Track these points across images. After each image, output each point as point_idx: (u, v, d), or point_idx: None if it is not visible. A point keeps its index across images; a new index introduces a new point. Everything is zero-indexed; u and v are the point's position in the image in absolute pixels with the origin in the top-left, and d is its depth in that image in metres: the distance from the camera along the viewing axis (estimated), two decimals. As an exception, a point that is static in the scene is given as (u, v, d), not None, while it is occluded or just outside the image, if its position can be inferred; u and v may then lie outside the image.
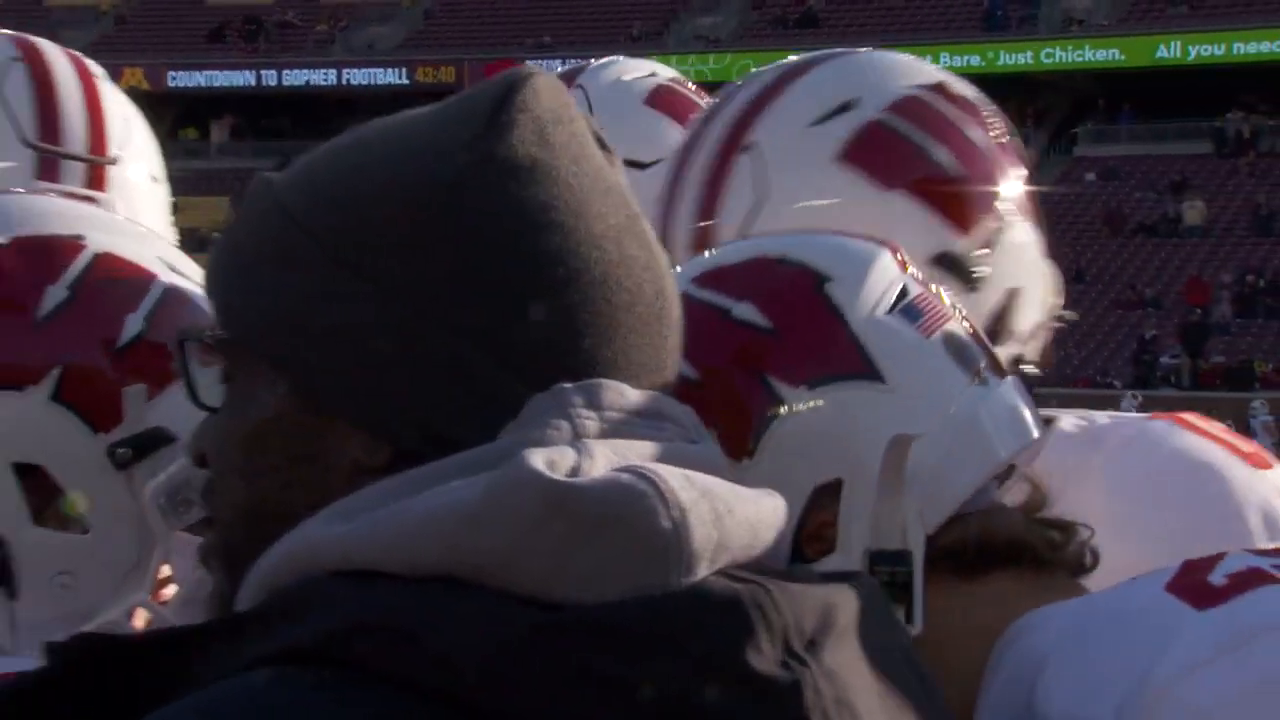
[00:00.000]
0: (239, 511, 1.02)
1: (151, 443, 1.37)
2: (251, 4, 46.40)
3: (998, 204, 1.74)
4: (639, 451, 0.93)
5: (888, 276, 1.33)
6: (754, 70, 1.88)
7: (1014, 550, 1.26)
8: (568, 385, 0.95)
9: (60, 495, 1.36)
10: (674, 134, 2.29)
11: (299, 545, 0.92)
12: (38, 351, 1.35)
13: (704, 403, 1.09)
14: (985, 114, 1.81)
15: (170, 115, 43.70)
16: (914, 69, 1.83)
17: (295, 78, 43.58)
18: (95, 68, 2.14)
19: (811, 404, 1.25)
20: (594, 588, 0.87)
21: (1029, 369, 1.74)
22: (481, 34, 43.13)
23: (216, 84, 43.99)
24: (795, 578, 0.93)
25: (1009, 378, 1.35)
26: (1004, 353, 1.71)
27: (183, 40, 45.43)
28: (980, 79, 1.91)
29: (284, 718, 0.84)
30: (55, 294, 1.36)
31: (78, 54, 2.17)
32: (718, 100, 1.85)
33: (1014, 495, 1.34)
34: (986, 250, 1.71)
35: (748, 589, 0.89)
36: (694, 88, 2.66)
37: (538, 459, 0.88)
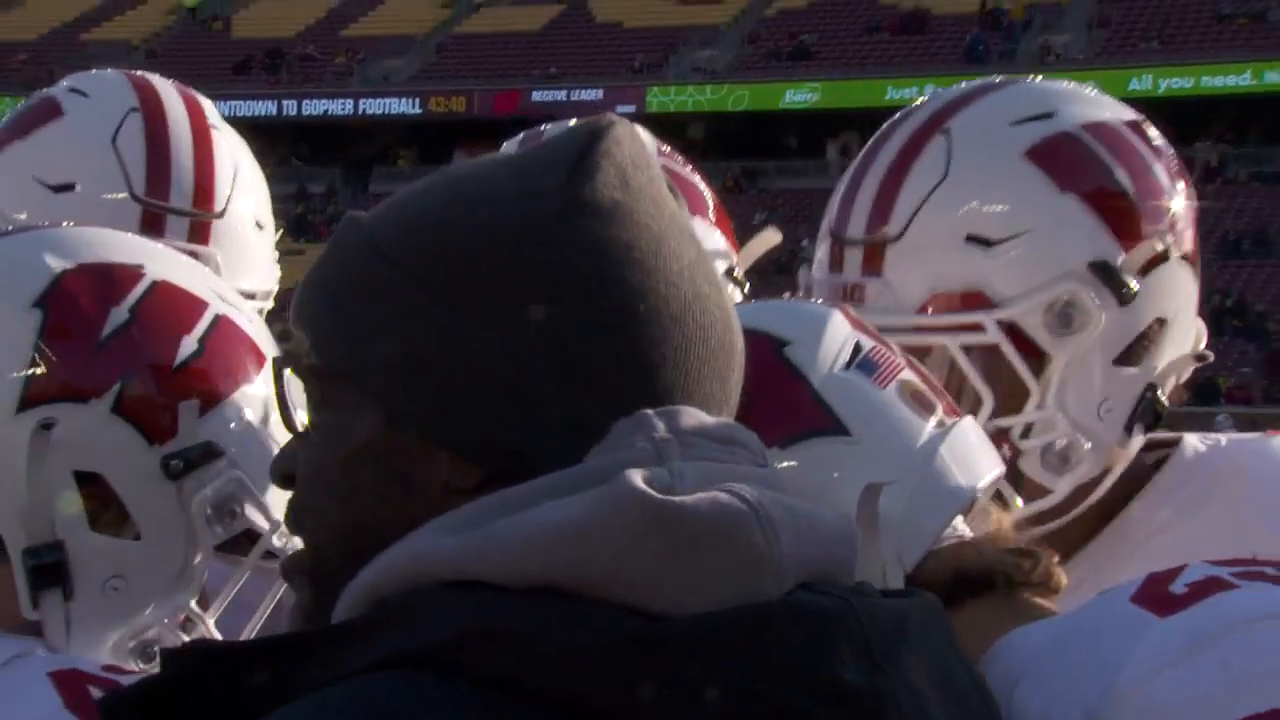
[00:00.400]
0: (333, 531, 1.03)
1: (202, 456, 1.39)
2: (274, 38, 46.50)
3: (1164, 235, 1.76)
4: (721, 473, 0.94)
5: (841, 334, 1.35)
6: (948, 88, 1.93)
7: (987, 579, 1.27)
8: (650, 411, 0.96)
9: (115, 503, 1.38)
10: None
11: (408, 557, 0.93)
12: (100, 367, 1.37)
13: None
14: (1172, 160, 1.84)
15: (196, 142, 43.72)
16: (1116, 106, 1.87)
17: (314, 107, 43.65)
18: (211, 112, 2.15)
19: (785, 463, 1.26)
20: (691, 600, 0.88)
21: (1161, 401, 1.76)
22: (490, 66, 43.21)
23: (240, 113, 44.04)
24: (867, 593, 0.95)
25: (965, 418, 1.37)
26: (1142, 375, 1.74)
27: (210, 73, 45.48)
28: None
29: (404, 719, 0.85)
30: (117, 315, 1.39)
31: (195, 96, 2.17)
32: (903, 112, 1.88)
33: (980, 525, 1.36)
34: (1144, 274, 1.73)
35: (832, 601, 0.91)
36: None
37: (638, 478, 0.90)
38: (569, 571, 0.88)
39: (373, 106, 43.39)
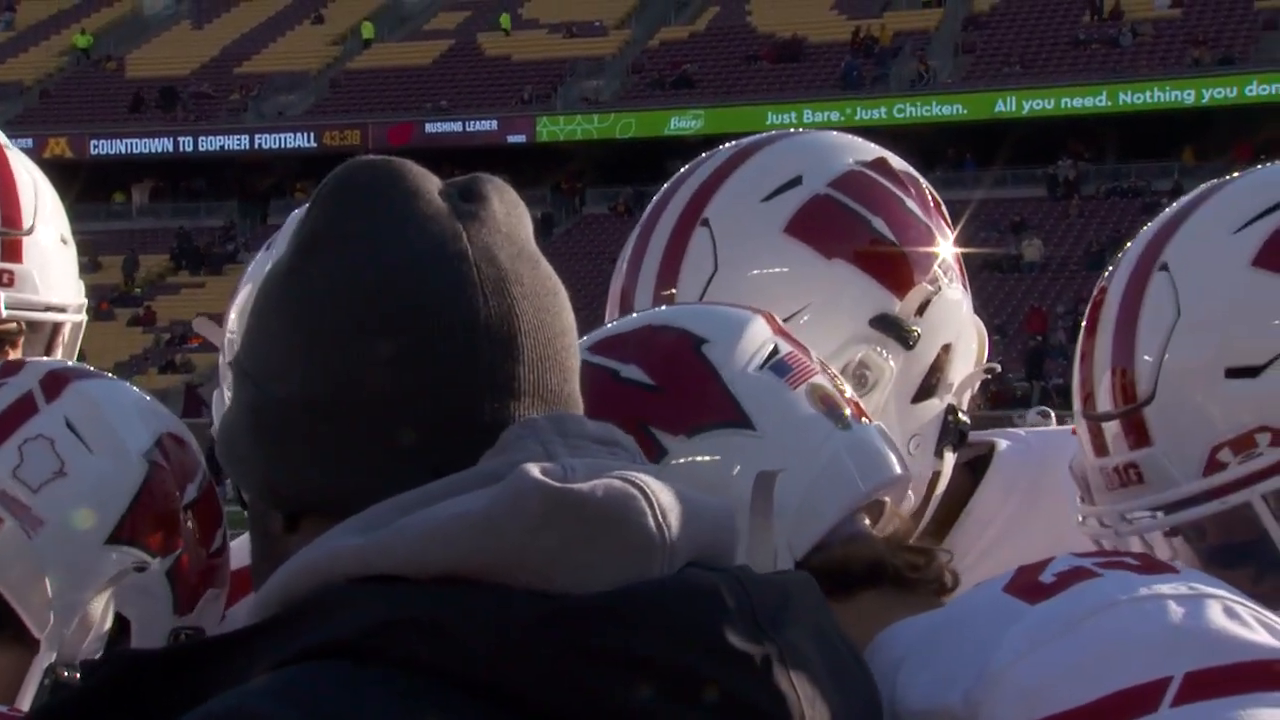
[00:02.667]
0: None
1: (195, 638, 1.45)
2: (168, 76, 45.78)
3: (931, 269, 1.77)
4: (608, 467, 0.97)
5: (760, 337, 1.38)
6: (711, 150, 1.88)
7: (875, 572, 1.31)
8: (537, 417, 1.00)
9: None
10: None
11: (319, 556, 0.96)
12: (174, 531, 1.45)
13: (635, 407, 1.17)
14: (919, 186, 1.83)
15: (93, 181, 42.94)
16: (857, 146, 1.85)
17: (210, 143, 43.04)
18: (0, 137, 2.09)
19: (690, 450, 1.30)
20: (591, 580, 0.92)
21: (963, 418, 1.79)
22: (384, 100, 42.93)
23: (137, 150, 43.32)
24: (750, 570, 0.99)
25: (872, 423, 1.40)
26: (940, 404, 1.76)
27: (105, 112, 44.69)
28: (842, 132, 1.94)
29: (327, 704, 0.88)
30: (191, 491, 1.48)
31: None
32: (678, 176, 1.86)
33: (888, 526, 1.39)
34: (921, 313, 1.74)
35: (720, 576, 0.96)
36: None
37: (535, 470, 0.93)
38: (475, 560, 0.91)
39: (268, 141, 42.87)
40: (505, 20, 45.15)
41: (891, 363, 1.71)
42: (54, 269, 1.97)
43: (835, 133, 1.91)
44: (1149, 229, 1.54)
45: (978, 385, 1.85)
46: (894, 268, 1.74)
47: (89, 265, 40.79)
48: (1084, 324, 1.56)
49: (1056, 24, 40.75)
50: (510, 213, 1.07)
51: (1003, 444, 1.90)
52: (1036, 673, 1.04)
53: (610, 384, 1.32)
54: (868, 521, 1.37)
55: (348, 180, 1.04)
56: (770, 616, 0.96)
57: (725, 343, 1.36)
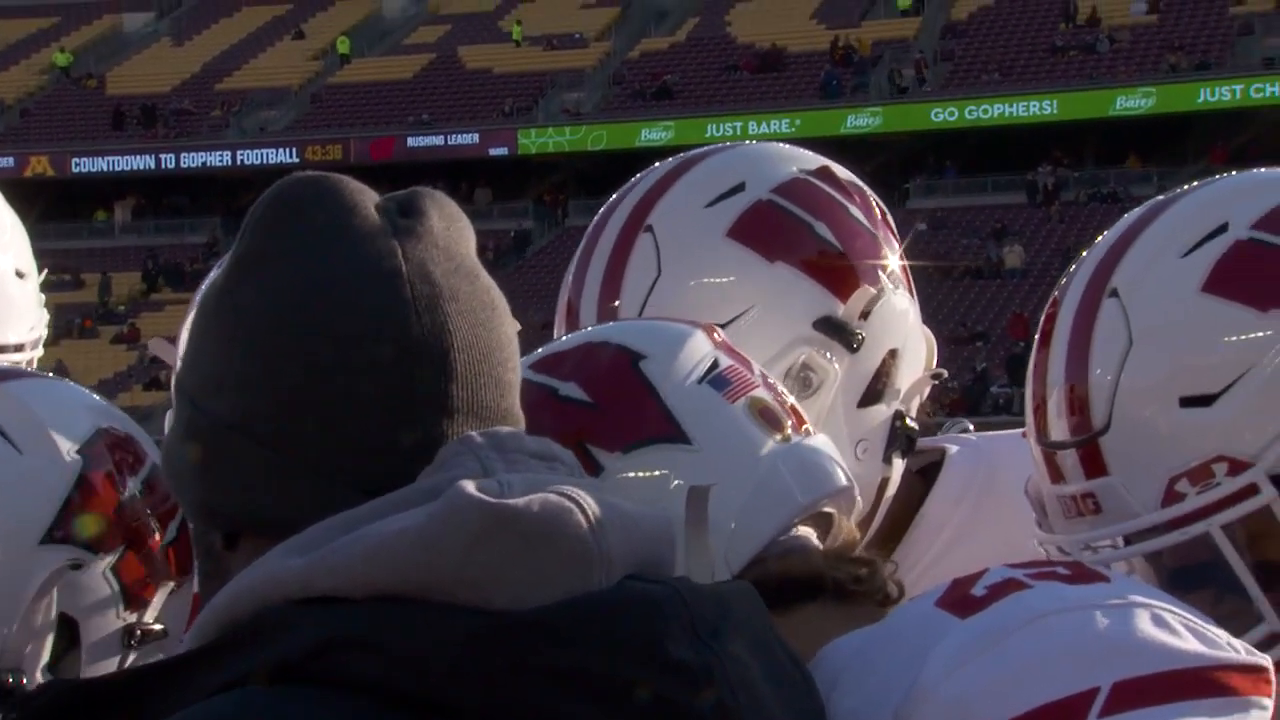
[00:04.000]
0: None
1: (152, 635, 1.44)
2: (149, 93, 45.68)
3: (875, 274, 1.77)
4: (544, 482, 0.97)
5: (699, 352, 1.38)
6: (657, 164, 1.89)
7: (814, 585, 1.30)
8: (473, 433, 0.99)
9: (74, 651, 1.40)
10: None
11: (256, 579, 0.95)
12: (115, 527, 1.43)
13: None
14: (864, 195, 1.84)
15: (75, 198, 42.79)
16: (800, 156, 1.85)
17: (192, 160, 42.95)
18: None
19: (626, 467, 1.31)
20: (530, 595, 0.92)
21: (911, 424, 1.79)
22: (365, 114, 42.89)
23: (119, 167, 43.21)
24: (689, 581, 0.99)
25: (816, 435, 1.40)
26: (887, 410, 1.76)
27: (86, 129, 44.57)
28: (822, 142, 1.95)
29: None
30: (133, 485, 1.46)
31: None
32: (626, 186, 1.86)
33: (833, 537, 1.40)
34: (865, 317, 1.74)
35: (659, 588, 0.96)
36: None
37: (471, 487, 0.93)
38: (414, 578, 0.91)
39: (250, 157, 42.80)
40: (516, 31, 45.04)
41: (836, 365, 1.71)
42: (8, 309, 1.93)
43: (780, 144, 1.92)
44: (1099, 246, 1.50)
45: (926, 392, 1.85)
46: (837, 271, 1.74)
47: (72, 283, 40.68)
48: (1038, 335, 1.52)
49: (1034, 31, 40.90)
50: (450, 227, 1.06)
51: (953, 449, 1.90)
52: (964, 688, 1.04)
53: (549, 402, 1.32)
54: (814, 533, 1.36)
55: (281, 197, 1.04)
56: (710, 627, 0.95)
57: (663, 358, 1.36)
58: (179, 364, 1.08)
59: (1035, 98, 37.95)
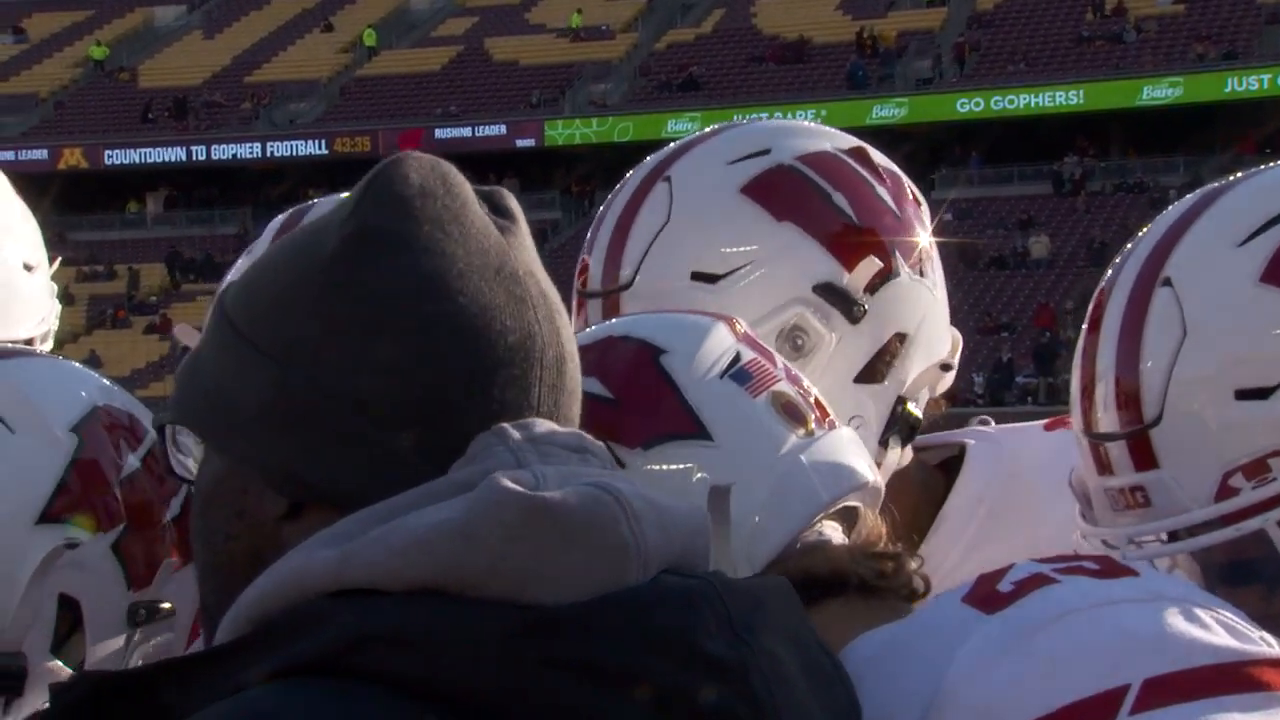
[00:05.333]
0: (205, 569, 1.05)
1: (159, 612, 1.41)
2: (180, 86, 45.86)
3: (890, 254, 1.74)
4: (579, 475, 0.96)
5: (720, 346, 1.36)
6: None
7: (839, 580, 1.28)
8: (506, 424, 0.98)
9: (78, 631, 1.37)
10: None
11: (290, 573, 0.93)
12: (115, 504, 1.39)
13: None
14: (897, 180, 1.82)
15: (108, 190, 43.02)
16: (837, 136, 1.85)
17: (223, 152, 43.10)
18: None
19: (645, 463, 1.28)
20: (566, 590, 0.90)
21: (913, 412, 1.76)
22: (393, 106, 42.96)
23: (150, 159, 43.40)
24: (725, 576, 0.98)
25: (840, 429, 1.37)
26: (889, 394, 1.73)
27: (118, 122, 44.79)
28: (847, 133, 1.93)
29: None
30: (132, 462, 1.42)
31: None
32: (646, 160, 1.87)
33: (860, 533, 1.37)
34: (873, 291, 1.71)
35: (695, 583, 0.94)
36: None
37: (506, 479, 0.91)
38: (450, 572, 0.90)
39: (280, 149, 42.94)
40: (575, 19, 44.85)
41: (832, 334, 1.69)
42: (14, 301, 1.89)
43: (819, 125, 1.91)
44: (1150, 234, 1.46)
45: (940, 387, 1.82)
46: (846, 240, 1.72)
47: (104, 274, 40.91)
48: (1086, 324, 1.49)
49: (1060, 21, 40.64)
50: (527, 229, 1.07)
51: (972, 443, 1.87)
52: (992, 686, 1.02)
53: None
54: (839, 528, 1.34)
55: (402, 178, 1.02)
56: (745, 622, 0.94)
57: (684, 352, 1.34)
58: (248, 321, 1.02)
59: (1061, 88, 37.72)
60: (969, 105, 38.44)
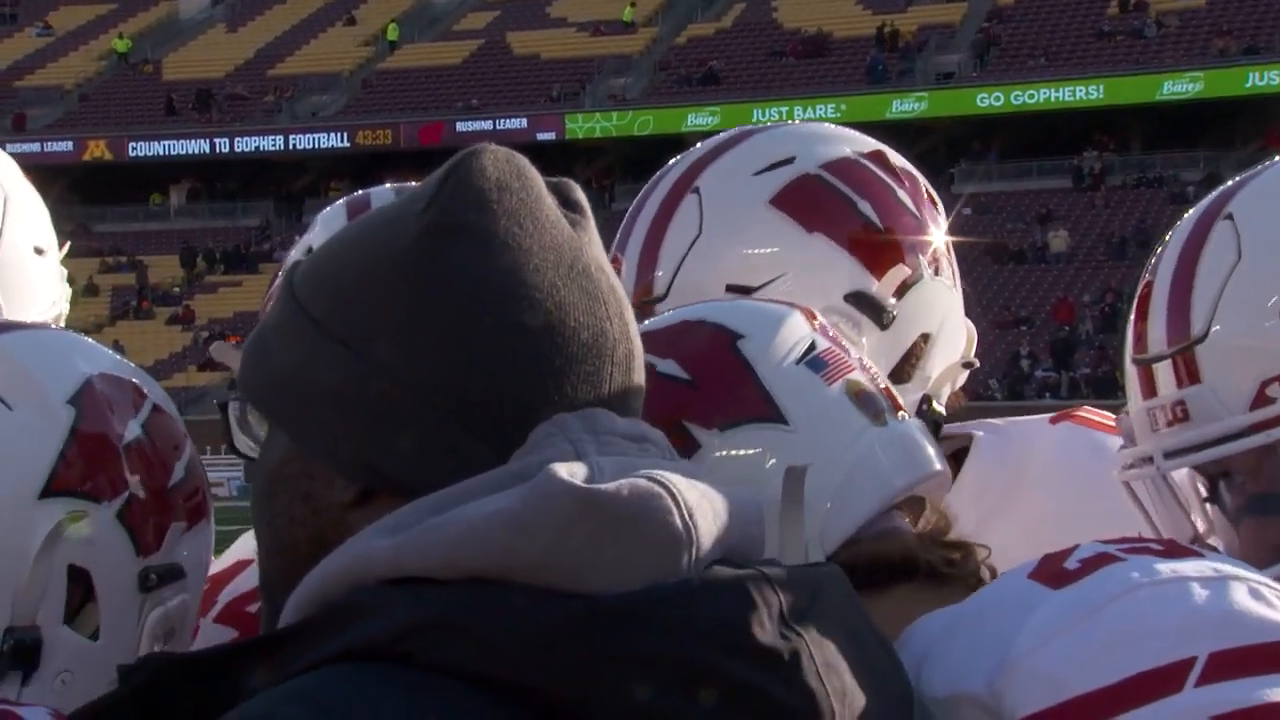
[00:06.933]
0: (269, 551, 1.07)
1: (171, 575, 1.40)
2: (203, 78, 46.02)
3: (914, 257, 1.77)
4: (636, 465, 0.96)
5: (797, 334, 1.37)
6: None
7: (908, 566, 1.29)
8: (567, 414, 0.99)
9: (90, 603, 1.37)
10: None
11: (349, 559, 0.95)
12: (117, 473, 1.38)
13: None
14: (915, 181, 1.85)
15: (132, 182, 43.20)
16: (856, 139, 1.87)
17: (246, 144, 43.25)
18: None
19: (723, 445, 1.30)
20: (618, 580, 0.91)
21: (938, 409, 1.78)
22: (415, 99, 43.04)
23: (174, 152, 43.58)
24: (778, 565, 0.98)
25: (911, 419, 1.39)
26: (914, 393, 1.75)
27: (141, 114, 44.97)
28: (867, 127, 1.94)
29: (355, 710, 0.87)
30: (133, 429, 1.40)
31: None
32: (679, 156, 1.89)
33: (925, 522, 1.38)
34: (900, 296, 1.74)
35: (748, 574, 0.95)
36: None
37: (563, 470, 0.92)
38: (503, 562, 0.91)
39: (302, 141, 43.07)
40: (628, 13, 44.65)
41: (863, 339, 1.71)
42: (25, 285, 1.87)
43: (839, 126, 1.93)
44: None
45: (959, 381, 1.85)
46: (875, 249, 1.75)
47: (127, 265, 41.10)
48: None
49: (1080, 16, 40.48)
50: (593, 221, 1.07)
51: (980, 434, 1.89)
52: (1058, 658, 1.03)
53: (647, 378, 1.31)
54: (907, 516, 1.35)
55: (480, 171, 1.02)
56: (799, 613, 0.94)
57: (761, 338, 1.35)
58: (322, 306, 1.02)
59: (1081, 82, 37.58)
60: (989, 100, 38.32)
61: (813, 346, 1.36)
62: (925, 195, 1.85)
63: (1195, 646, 1.02)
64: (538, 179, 1.05)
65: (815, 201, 1.76)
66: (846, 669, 0.96)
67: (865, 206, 1.76)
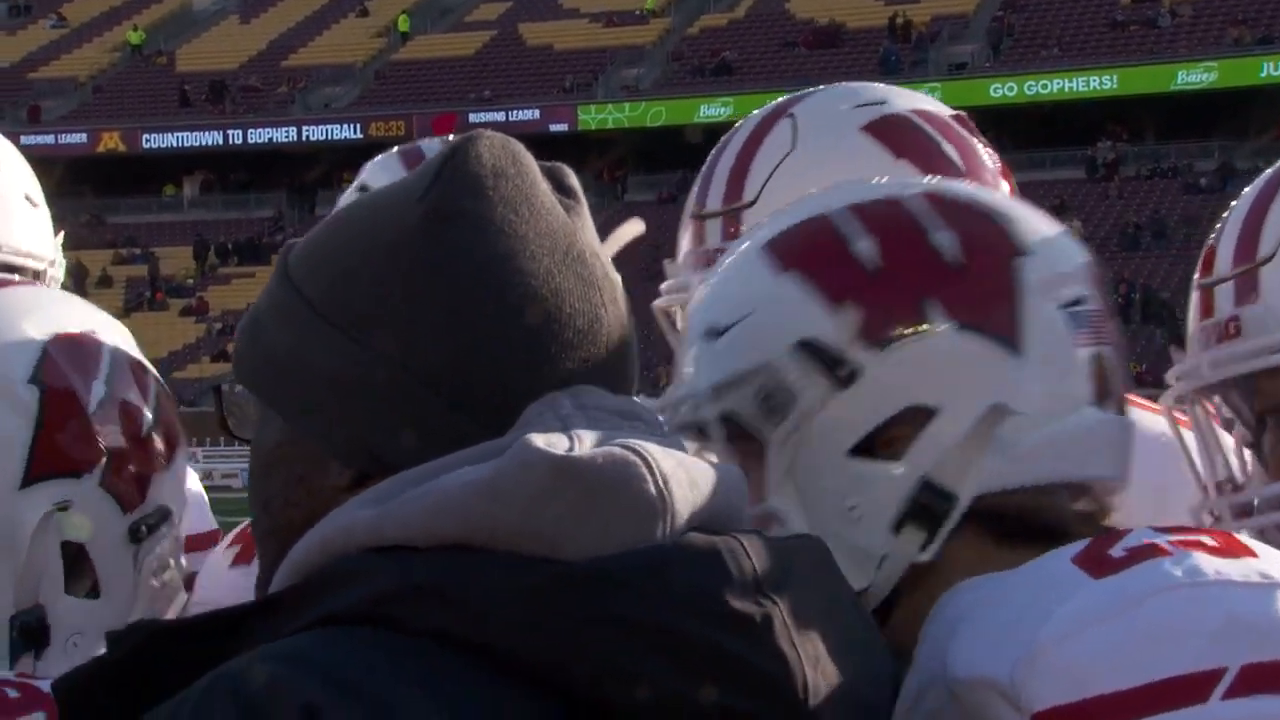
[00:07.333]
0: (264, 534, 1.07)
1: (160, 520, 1.40)
2: (217, 70, 46.05)
3: None
4: (616, 437, 0.97)
5: (1075, 280, 1.29)
6: None
7: (1049, 531, 1.21)
8: (557, 392, 0.99)
9: (84, 562, 1.36)
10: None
11: (335, 528, 0.96)
12: (92, 441, 1.35)
13: (867, 279, 1.20)
14: (994, 154, 1.95)
15: (146, 174, 43.26)
16: (941, 106, 2.00)
17: (259, 135, 43.29)
18: None
19: (951, 341, 1.22)
20: (594, 546, 0.92)
21: None
22: (428, 90, 43.04)
23: (187, 143, 43.63)
24: (757, 535, 0.99)
25: (1126, 416, 1.32)
26: None
27: (155, 105, 45.02)
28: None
29: (337, 669, 0.88)
30: (98, 389, 1.36)
31: None
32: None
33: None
34: None
35: (723, 540, 0.95)
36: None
37: (539, 440, 0.93)
38: (482, 528, 0.92)
39: (315, 133, 43.10)
40: (650, 1, 44.58)
41: None
42: (15, 220, 1.92)
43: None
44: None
45: None
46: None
47: (141, 257, 41.18)
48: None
49: (1094, 6, 40.31)
50: (587, 207, 1.08)
51: None
52: (1084, 651, 1.01)
53: (914, 234, 1.25)
54: (1066, 493, 1.27)
55: (476, 157, 1.02)
56: (773, 580, 0.95)
57: (1043, 267, 1.27)
58: (319, 291, 1.02)
59: (1095, 73, 37.43)
60: (1002, 90, 38.18)
61: (1081, 300, 1.28)
62: (1001, 167, 1.93)
63: (1228, 656, 0.98)
64: (533, 165, 1.06)
65: (904, 134, 1.86)
66: (820, 637, 0.96)
67: (949, 149, 1.85)
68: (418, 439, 0.99)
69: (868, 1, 42.88)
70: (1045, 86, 37.72)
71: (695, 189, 1.91)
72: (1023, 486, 1.22)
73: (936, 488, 1.21)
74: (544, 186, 1.04)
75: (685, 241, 1.90)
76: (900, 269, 1.24)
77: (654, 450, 0.95)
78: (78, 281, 35.74)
